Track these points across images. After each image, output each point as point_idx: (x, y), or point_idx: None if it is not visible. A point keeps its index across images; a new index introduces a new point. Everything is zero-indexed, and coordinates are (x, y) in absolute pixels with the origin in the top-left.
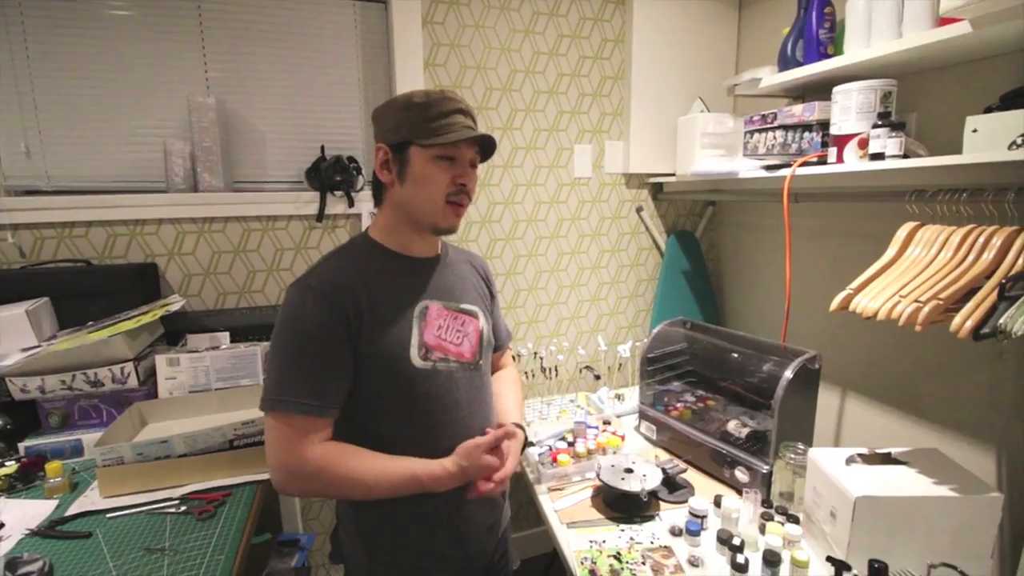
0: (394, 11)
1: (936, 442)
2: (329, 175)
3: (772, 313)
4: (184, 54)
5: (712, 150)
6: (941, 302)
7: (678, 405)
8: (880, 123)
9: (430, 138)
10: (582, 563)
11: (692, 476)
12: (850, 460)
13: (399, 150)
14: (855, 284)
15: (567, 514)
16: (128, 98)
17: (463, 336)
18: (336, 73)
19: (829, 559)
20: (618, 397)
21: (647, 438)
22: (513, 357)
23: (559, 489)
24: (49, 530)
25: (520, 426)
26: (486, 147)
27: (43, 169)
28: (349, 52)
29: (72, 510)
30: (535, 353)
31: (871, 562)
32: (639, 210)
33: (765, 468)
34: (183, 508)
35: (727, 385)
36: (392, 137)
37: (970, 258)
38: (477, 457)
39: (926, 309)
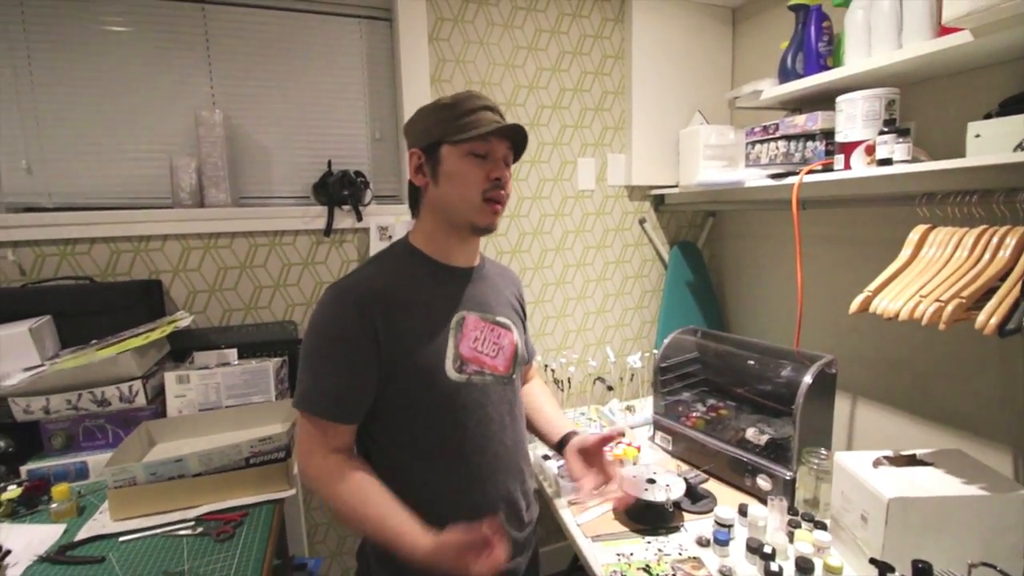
0: (400, 28)
1: (950, 443)
2: (336, 189)
3: (776, 320)
4: (189, 70)
5: (715, 161)
6: (963, 300)
7: (692, 415)
8: (886, 130)
9: (459, 134)
10: None
11: (712, 486)
12: (877, 463)
13: (431, 151)
14: (873, 286)
15: (591, 527)
16: (132, 114)
17: (499, 349)
18: (342, 88)
19: (872, 561)
20: (629, 409)
21: (663, 449)
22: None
23: (579, 502)
24: (59, 556)
25: (573, 432)
26: (518, 144)
27: (45, 186)
28: (355, 68)
29: (82, 534)
30: (545, 365)
31: (915, 562)
32: (642, 222)
33: (788, 475)
34: (199, 530)
35: (741, 392)
36: (423, 140)
37: (986, 257)
38: (452, 557)
39: (949, 308)
